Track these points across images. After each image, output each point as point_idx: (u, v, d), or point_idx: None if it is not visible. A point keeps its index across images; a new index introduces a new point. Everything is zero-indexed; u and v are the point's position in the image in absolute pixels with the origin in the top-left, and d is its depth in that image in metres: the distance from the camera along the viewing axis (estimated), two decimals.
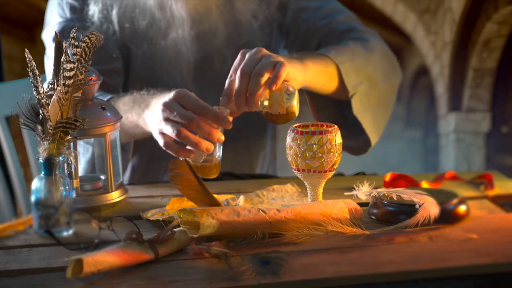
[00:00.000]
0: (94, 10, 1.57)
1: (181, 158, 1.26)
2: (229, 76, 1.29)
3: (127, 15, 1.58)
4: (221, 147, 1.30)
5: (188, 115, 1.24)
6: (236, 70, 1.27)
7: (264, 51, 1.28)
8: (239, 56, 1.29)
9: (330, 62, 1.45)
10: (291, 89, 1.27)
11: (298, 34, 1.66)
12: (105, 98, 1.47)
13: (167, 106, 1.26)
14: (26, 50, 1.13)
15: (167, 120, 1.26)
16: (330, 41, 1.60)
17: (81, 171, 1.49)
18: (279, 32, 1.69)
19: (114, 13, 1.57)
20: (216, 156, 1.30)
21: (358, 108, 1.52)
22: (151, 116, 1.31)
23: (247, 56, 1.28)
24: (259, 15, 1.62)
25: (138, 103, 1.39)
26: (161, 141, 1.29)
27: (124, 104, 1.42)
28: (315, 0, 1.66)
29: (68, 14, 1.59)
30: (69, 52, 1.12)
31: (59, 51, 1.15)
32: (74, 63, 1.12)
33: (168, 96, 1.28)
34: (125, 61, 1.61)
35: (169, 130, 1.26)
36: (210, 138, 1.25)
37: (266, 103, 1.27)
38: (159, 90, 1.39)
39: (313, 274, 0.94)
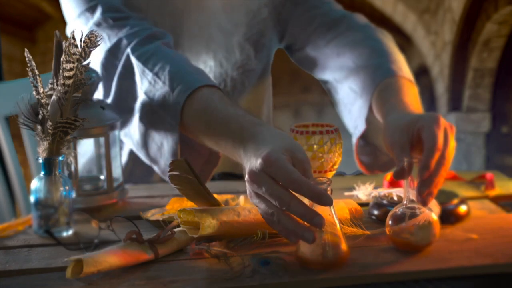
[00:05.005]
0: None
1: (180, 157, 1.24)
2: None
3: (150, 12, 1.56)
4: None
5: (278, 195, 0.97)
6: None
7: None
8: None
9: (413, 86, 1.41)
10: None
11: (297, 24, 1.63)
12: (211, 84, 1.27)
13: (254, 179, 1.00)
14: (26, 50, 1.13)
15: (257, 195, 1.02)
16: (325, 25, 1.58)
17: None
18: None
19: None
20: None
21: None
22: (245, 167, 1.07)
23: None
24: (269, 4, 1.62)
25: (243, 136, 1.12)
26: (260, 213, 1.04)
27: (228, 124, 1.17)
28: None
29: None
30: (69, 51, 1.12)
31: (59, 51, 1.15)
32: (73, 63, 1.12)
33: (255, 163, 1.01)
34: None
35: (262, 211, 1.01)
36: (308, 222, 0.96)
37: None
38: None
39: (313, 274, 0.94)
